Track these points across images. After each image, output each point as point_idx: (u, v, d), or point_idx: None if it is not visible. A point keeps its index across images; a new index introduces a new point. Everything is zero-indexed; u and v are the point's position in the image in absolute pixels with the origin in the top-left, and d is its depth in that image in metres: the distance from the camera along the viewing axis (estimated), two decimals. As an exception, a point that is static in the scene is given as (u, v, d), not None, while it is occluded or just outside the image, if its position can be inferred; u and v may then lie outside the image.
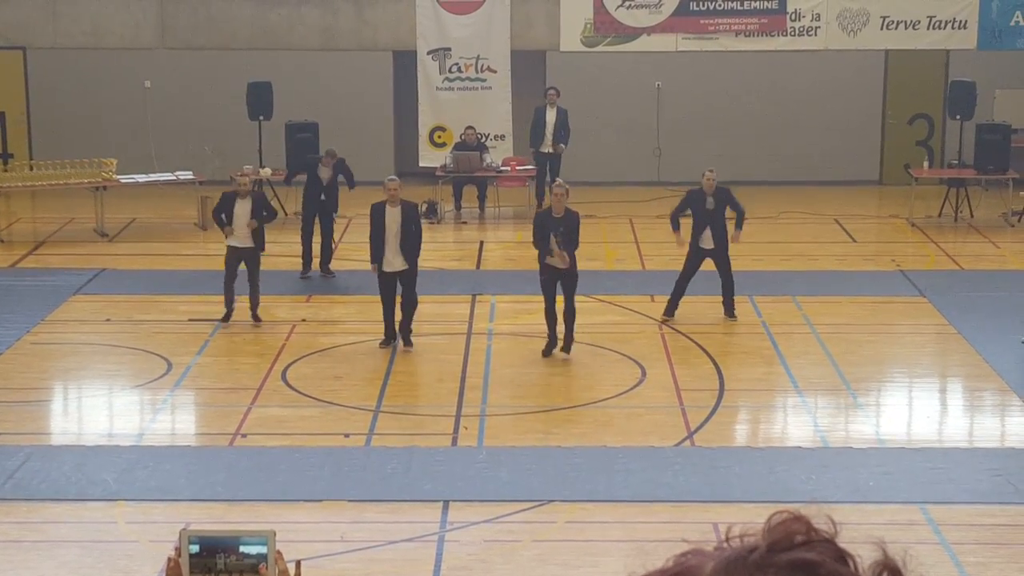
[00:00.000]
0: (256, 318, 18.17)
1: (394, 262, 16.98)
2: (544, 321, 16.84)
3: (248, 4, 27.06)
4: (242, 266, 18.11)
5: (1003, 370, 16.33)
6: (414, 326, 17.31)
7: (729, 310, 18.32)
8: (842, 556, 1.91)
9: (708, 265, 18.12)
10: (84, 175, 23.67)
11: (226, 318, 18.07)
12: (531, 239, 17.04)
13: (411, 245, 16.98)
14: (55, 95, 27.18)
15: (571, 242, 16.62)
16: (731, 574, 1.89)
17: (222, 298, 18.26)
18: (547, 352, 16.83)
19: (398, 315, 17.16)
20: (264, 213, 18.38)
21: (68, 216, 24.35)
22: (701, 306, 18.64)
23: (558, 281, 16.72)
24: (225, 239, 18.21)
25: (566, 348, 16.81)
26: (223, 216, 18.18)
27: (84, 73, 27.07)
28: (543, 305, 16.85)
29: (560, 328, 16.80)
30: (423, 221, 24.10)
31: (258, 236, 18.17)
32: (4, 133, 27.48)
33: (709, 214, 18.06)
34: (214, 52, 27.07)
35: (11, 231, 23.79)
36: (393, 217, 16.96)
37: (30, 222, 24.68)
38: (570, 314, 16.76)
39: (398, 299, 17.15)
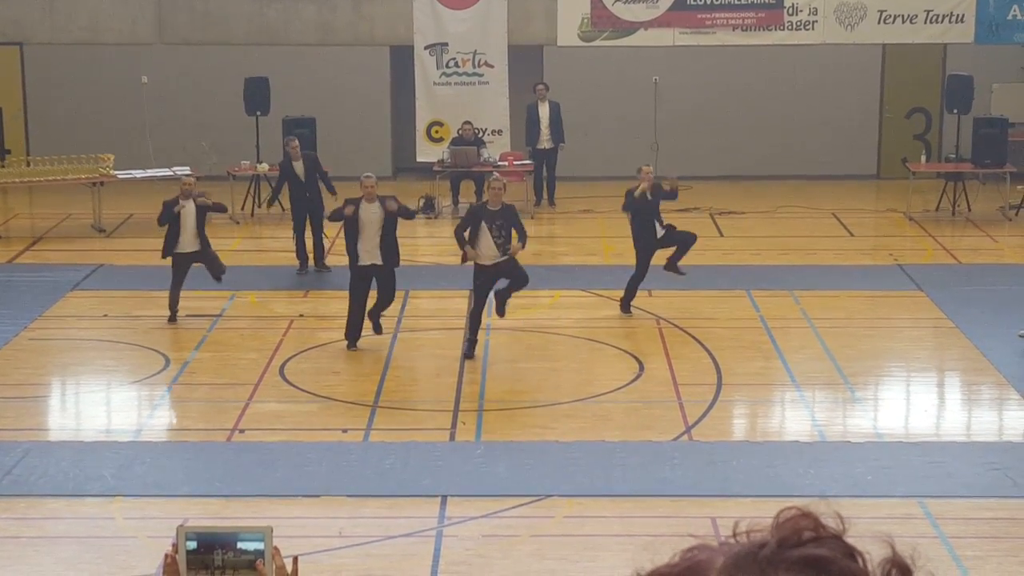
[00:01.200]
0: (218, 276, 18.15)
1: (373, 255, 16.79)
2: (467, 324, 16.71)
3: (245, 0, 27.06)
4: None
5: (1001, 364, 16.33)
6: (409, 321, 17.28)
7: (674, 263, 18.20)
8: (851, 552, 1.91)
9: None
10: (81, 171, 23.65)
11: (172, 319, 17.91)
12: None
13: (394, 242, 16.82)
14: (52, 91, 27.16)
15: (510, 234, 16.44)
16: (742, 570, 1.88)
17: (219, 293, 18.25)
18: (471, 354, 16.57)
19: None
20: (208, 212, 18.21)
21: (65, 212, 24.34)
22: (698, 300, 18.64)
23: (496, 277, 16.54)
24: (175, 209, 17.89)
25: (500, 311, 16.74)
26: (173, 211, 17.94)
27: (81, 69, 27.05)
28: (472, 307, 16.69)
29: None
30: (420, 216, 24.25)
31: (203, 239, 18.03)
32: (1, 129, 27.42)
33: (649, 204, 18.07)
34: (211, 48, 27.05)
35: (8, 227, 23.77)
36: (369, 213, 16.75)
37: (27, 218, 24.67)
38: (505, 294, 16.64)
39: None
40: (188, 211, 17.90)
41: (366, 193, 16.93)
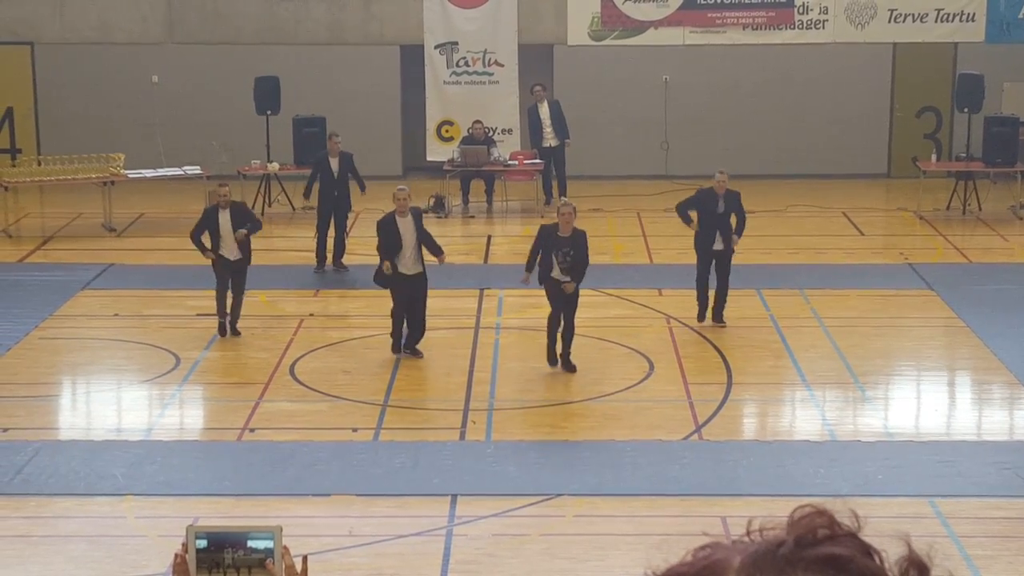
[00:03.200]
0: (235, 331, 17.43)
1: (412, 266, 16.62)
2: (546, 330, 16.27)
3: (255, -1, 27.07)
4: None
5: (1011, 363, 16.31)
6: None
7: (718, 316, 17.77)
8: (868, 551, 1.89)
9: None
10: (92, 170, 23.68)
11: (222, 331, 17.41)
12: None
13: (425, 248, 16.72)
14: (63, 90, 27.19)
15: (579, 264, 16.04)
16: (760, 569, 1.87)
17: (229, 292, 18.21)
18: (553, 360, 16.25)
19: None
20: (248, 224, 17.51)
21: (76, 211, 24.37)
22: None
23: (564, 298, 16.15)
24: (211, 259, 17.38)
25: (567, 366, 16.23)
26: (204, 234, 17.33)
27: (92, 68, 27.08)
28: (549, 313, 16.29)
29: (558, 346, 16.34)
30: (431, 215, 24.25)
31: (245, 248, 17.42)
32: (12, 128, 27.49)
33: (718, 217, 17.66)
34: (221, 47, 27.07)
35: (19, 226, 23.80)
36: (407, 226, 16.58)
37: (38, 217, 24.69)
38: (570, 330, 16.16)
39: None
40: (224, 221, 17.32)
41: (399, 207, 16.61)
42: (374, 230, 17.20)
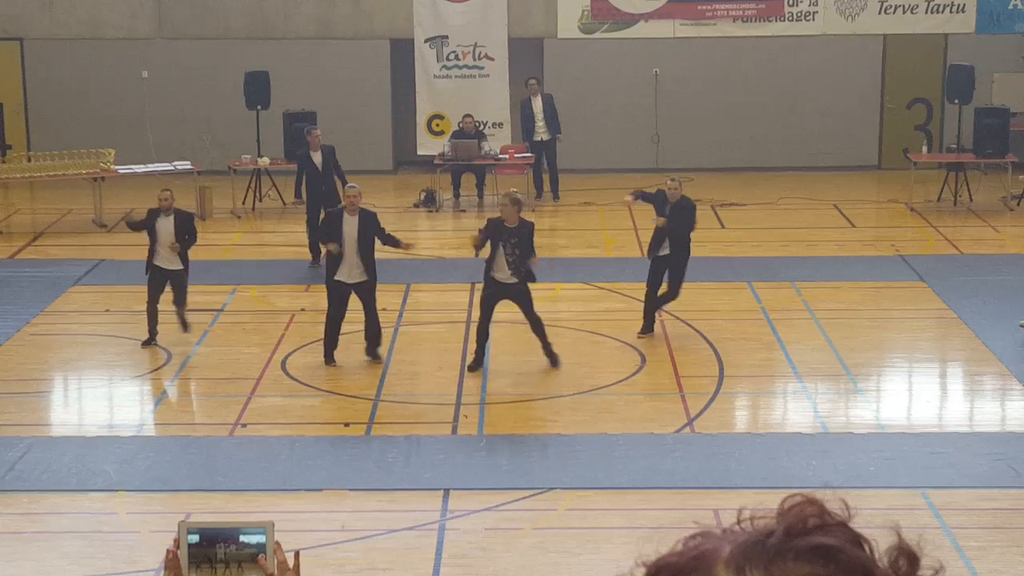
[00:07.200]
0: (186, 328, 16.86)
1: (352, 272, 15.97)
2: (476, 339, 16.00)
3: (245, -7, 27.03)
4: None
5: (1003, 354, 16.32)
6: (411, 315, 17.21)
7: (649, 324, 17.13)
8: (858, 540, 1.89)
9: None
10: (82, 166, 23.65)
11: (148, 343, 16.81)
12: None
13: (372, 256, 16.01)
14: (52, 86, 27.14)
15: (525, 254, 15.77)
16: (750, 560, 1.87)
17: (220, 287, 18.20)
18: (474, 367, 15.97)
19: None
20: (186, 236, 16.66)
21: (66, 207, 24.33)
22: (700, 293, 18.62)
23: (504, 298, 15.86)
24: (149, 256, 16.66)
25: (552, 362, 16.02)
26: (141, 229, 16.82)
27: (81, 64, 27.04)
28: (479, 320, 16.01)
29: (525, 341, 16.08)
30: (422, 209, 24.25)
31: (183, 256, 16.75)
32: (2, 125, 27.44)
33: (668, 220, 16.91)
34: (211, 42, 27.03)
35: (10, 222, 23.76)
36: (351, 225, 15.98)
37: (29, 213, 24.66)
38: (537, 325, 15.89)
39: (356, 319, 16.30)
40: (164, 227, 16.66)
41: (348, 204, 16.13)
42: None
